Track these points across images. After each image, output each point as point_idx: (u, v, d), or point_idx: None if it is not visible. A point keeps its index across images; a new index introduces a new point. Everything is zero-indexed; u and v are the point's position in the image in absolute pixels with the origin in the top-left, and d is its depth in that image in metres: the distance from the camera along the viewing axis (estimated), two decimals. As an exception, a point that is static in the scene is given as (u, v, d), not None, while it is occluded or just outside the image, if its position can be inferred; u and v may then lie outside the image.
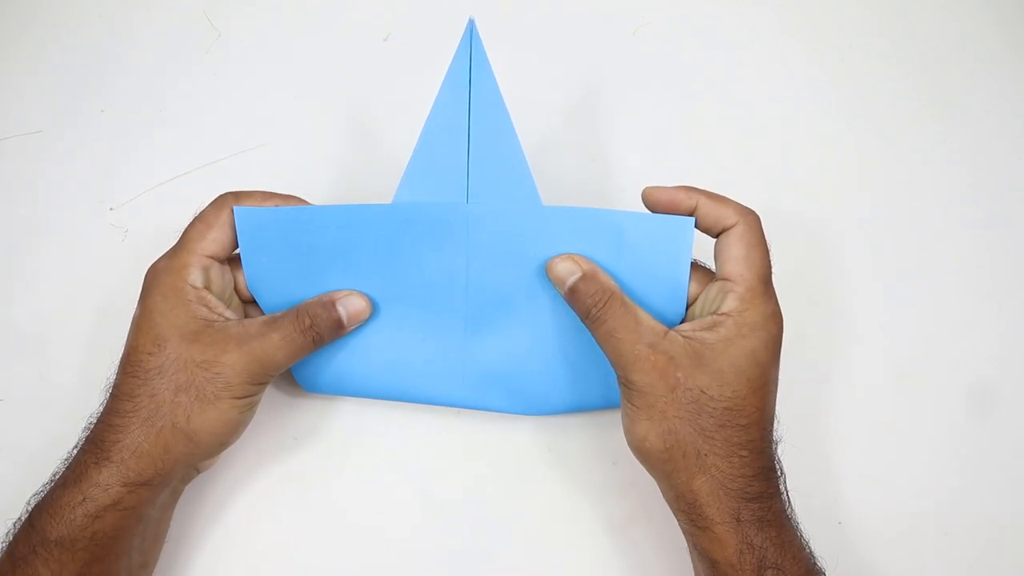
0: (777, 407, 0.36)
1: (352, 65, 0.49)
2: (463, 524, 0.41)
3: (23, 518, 0.34)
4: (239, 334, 0.36)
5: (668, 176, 0.47)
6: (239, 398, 0.35)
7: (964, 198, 0.47)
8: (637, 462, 0.36)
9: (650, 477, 0.37)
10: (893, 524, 0.41)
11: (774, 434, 0.35)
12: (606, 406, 0.40)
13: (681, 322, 0.37)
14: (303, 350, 0.37)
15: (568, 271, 0.36)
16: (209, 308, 0.36)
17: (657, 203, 0.37)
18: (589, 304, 0.35)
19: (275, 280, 0.38)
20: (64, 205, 0.46)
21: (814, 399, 0.44)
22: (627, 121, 0.48)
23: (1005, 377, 0.44)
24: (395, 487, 0.41)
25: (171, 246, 0.37)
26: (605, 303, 0.35)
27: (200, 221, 0.37)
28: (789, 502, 0.35)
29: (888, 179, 0.47)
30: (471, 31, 0.36)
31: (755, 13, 0.50)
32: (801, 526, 0.35)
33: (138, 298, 0.37)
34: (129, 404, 0.34)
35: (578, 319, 0.37)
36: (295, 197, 0.39)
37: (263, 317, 0.37)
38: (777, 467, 0.35)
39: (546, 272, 0.37)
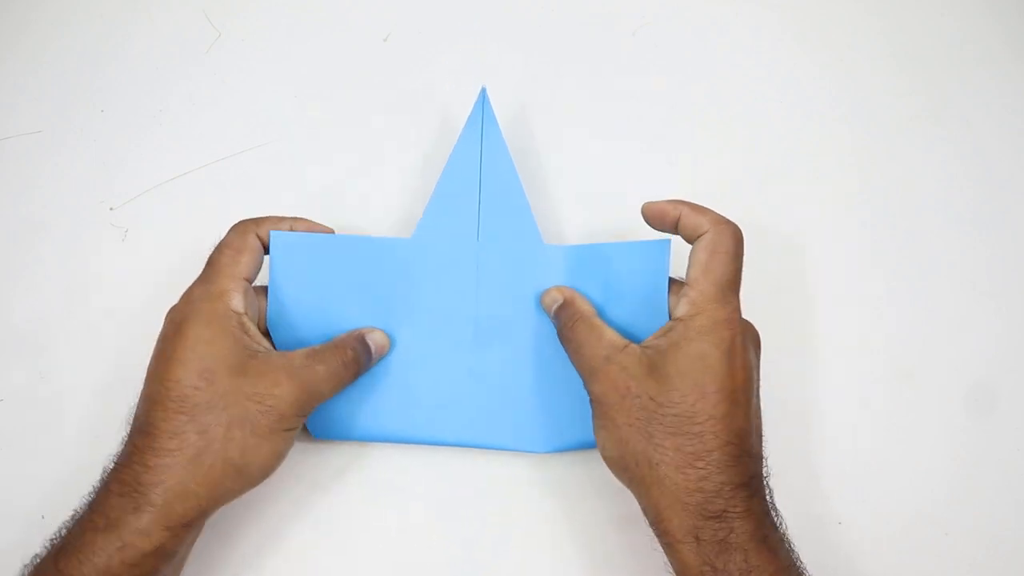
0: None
1: (352, 65, 0.49)
2: (463, 525, 0.41)
3: (41, 556, 0.33)
4: (286, 366, 0.35)
5: (667, 174, 0.47)
6: (289, 430, 0.35)
7: (963, 198, 0.47)
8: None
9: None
10: (893, 524, 0.41)
11: (752, 450, 0.34)
12: None
13: None
14: (344, 383, 0.37)
15: (552, 300, 0.39)
16: (250, 337, 0.36)
17: (651, 216, 0.38)
18: (562, 326, 0.38)
19: (294, 311, 0.39)
20: (64, 205, 0.46)
21: (814, 399, 0.44)
22: (626, 121, 0.48)
23: (1005, 377, 0.44)
24: (397, 501, 0.41)
25: (198, 276, 0.37)
26: (574, 323, 0.37)
27: (228, 247, 0.37)
28: (774, 525, 0.33)
29: (887, 179, 0.47)
30: (483, 100, 0.41)
31: (755, 13, 0.50)
32: (796, 547, 0.34)
33: (167, 329, 0.36)
34: (173, 442, 0.33)
35: None
36: (303, 220, 0.40)
37: (304, 349, 0.37)
38: (752, 485, 0.33)
39: (540, 298, 0.40)
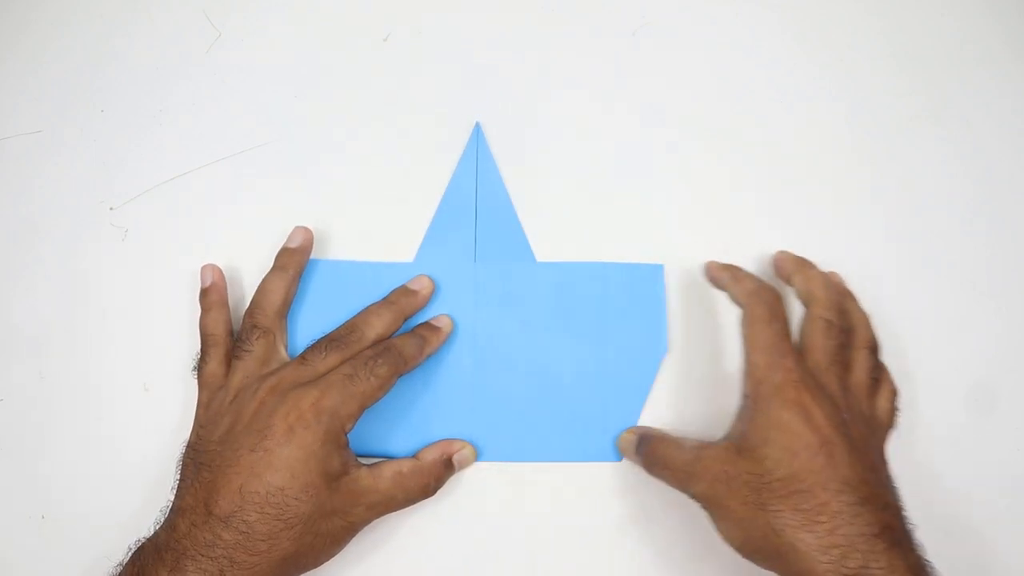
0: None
1: (352, 65, 0.49)
2: (465, 532, 0.41)
3: None
4: (370, 488, 0.37)
5: (666, 175, 0.47)
6: (355, 535, 0.38)
7: (963, 198, 0.47)
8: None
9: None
10: (893, 524, 0.41)
11: (873, 498, 0.33)
12: (601, 459, 0.42)
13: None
14: (419, 501, 0.39)
15: (628, 442, 0.40)
16: (348, 453, 0.37)
17: (710, 280, 0.43)
18: (646, 457, 0.39)
19: (302, 331, 0.43)
20: (64, 205, 0.46)
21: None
22: (625, 121, 0.48)
23: (1005, 377, 0.44)
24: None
25: (336, 386, 0.36)
26: (653, 447, 0.38)
27: (376, 378, 0.37)
28: None
29: (887, 179, 0.47)
30: (477, 133, 0.46)
31: (755, 13, 0.50)
32: None
33: (277, 428, 0.35)
34: (265, 544, 0.34)
35: (576, 369, 0.42)
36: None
37: (389, 471, 0.38)
38: (887, 537, 0.32)
39: (617, 443, 0.42)
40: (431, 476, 0.39)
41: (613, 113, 0.48)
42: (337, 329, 0.40)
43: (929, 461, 0.43)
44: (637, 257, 0.45)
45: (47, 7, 0.50)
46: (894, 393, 0.40)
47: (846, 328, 0.39)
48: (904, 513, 0.35)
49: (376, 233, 0.45)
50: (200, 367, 0.40)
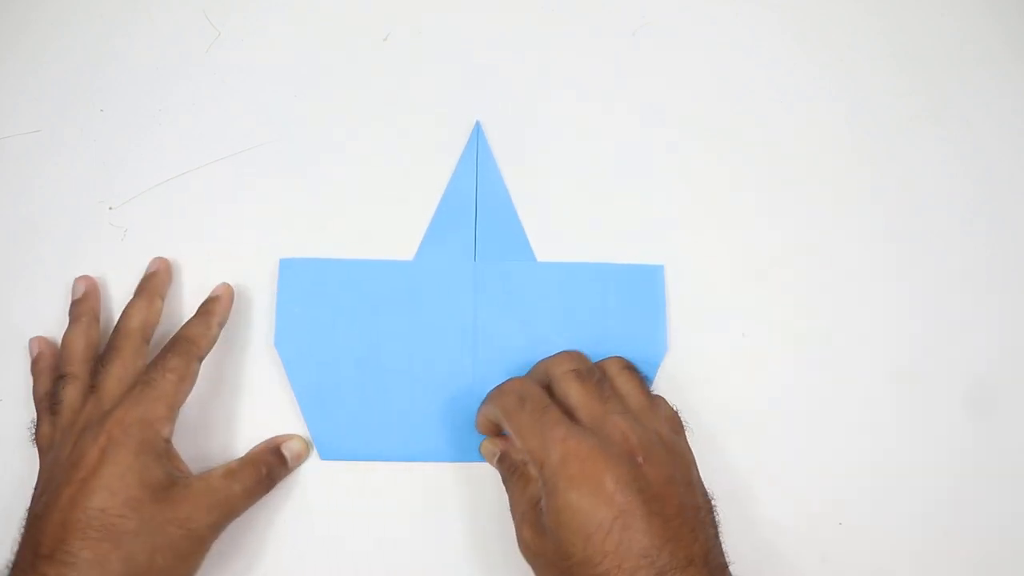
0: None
1: (352, 65, 0.49)
2: (464, 533, 0.41)
3: None
4: (204, 490, 0.36)
5: (666, 175, 0.47)
6: (207, 546, 0.36)
7: (963, 198, 0.47)
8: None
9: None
10: (893, 524, 0.42)
11: (672, 561, 0.32)
12: None
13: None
14: (258, 496, 0.39)
15: (490, 452, 0.40)
16: (173, 462, 0.37)
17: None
18: (504, 476, 0.38)
19: (301, 330, 0.43)
20: (64, 205, 0.46)
21: (814, 399, 0.44)
22: (625, 121, 0.48)
23: (1005, 377, 0.44)
24: (399, 514, 0.42)
25: (130, 395, 0.37)
26: (509, 474, 0.38)
27: (171, 372, 0.38)
28: None
29: (887, 179, 0.47)
30: (478, 131, 0.47)
31: (755, 13, 0.50)
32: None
33: (90, 454, 0.35)
34: (95, 571, 0.33)
35: None
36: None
37: (220, 470, 0.38)
38: None
39: (479, 449, 0.41)
40: (262, 464, 0.39)
41: (613, 113, 0.48)
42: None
43: (930, 461, 0.43)
44: (637, 257, 0.45)
45: (47, 7, 0.50)
46: (660, 397, 0.40)
47: (591, 367, 0.38)
48: (714, 547, 0.33)
49: (376, 233, 0.45)
50: (36, 433, 0.40)
